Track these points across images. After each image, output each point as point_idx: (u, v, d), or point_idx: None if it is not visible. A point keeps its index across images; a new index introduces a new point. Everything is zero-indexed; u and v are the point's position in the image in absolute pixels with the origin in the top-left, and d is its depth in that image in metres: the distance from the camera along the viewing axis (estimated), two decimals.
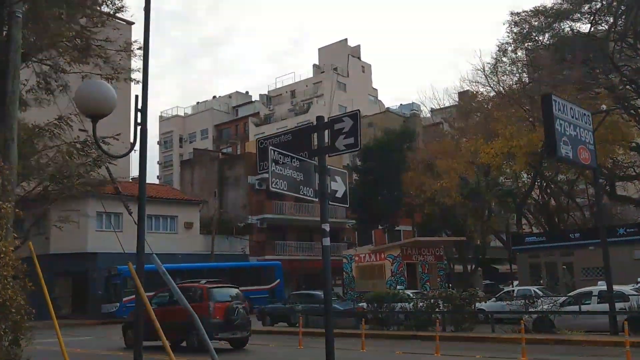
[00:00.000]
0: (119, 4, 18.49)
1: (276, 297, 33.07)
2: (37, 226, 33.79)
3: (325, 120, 6.65)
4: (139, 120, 7.13)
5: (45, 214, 32.72)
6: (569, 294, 18.20)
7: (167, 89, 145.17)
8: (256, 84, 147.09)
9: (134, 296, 28.19)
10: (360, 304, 22.84)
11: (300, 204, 41.70)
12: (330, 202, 6.47)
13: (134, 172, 68.80)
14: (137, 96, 7.08)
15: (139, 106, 7.05)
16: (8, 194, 7.96)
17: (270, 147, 6.16)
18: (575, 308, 16.51)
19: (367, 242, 41.69)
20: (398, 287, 27.04)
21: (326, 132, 6.53)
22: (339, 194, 6.85)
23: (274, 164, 6.04)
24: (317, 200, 6.50)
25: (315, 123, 6.69)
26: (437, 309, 18.76)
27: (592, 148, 16.27)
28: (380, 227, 39.32)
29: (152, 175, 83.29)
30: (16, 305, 6.51)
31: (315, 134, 6.60)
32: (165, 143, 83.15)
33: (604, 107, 19.96)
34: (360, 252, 31.61)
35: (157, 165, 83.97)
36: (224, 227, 39.32)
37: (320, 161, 6.48)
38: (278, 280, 35.10)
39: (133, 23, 48.99)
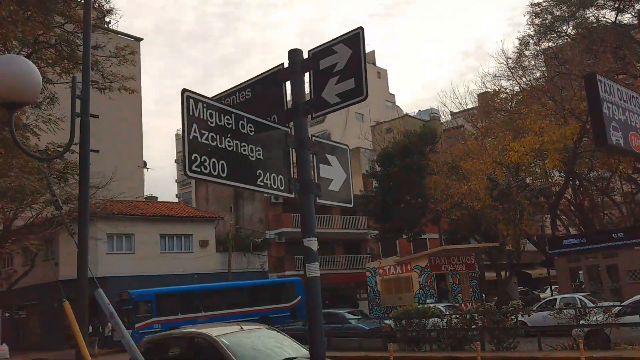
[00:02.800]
0: (107, 6, 17.10)
1: (298, 316, 31.28)
2: (45, 252, 32.55)
3: (305, 55, 3.89)
4: (78, 110, 5.40)
5: (53, 238, 31.49)
6: (624, 303, 16.04)
7: None
8: None
9: (147, 322, 26.51)
10: (386, 322, 20.93)
11: (319, 216, 39.94)
12: (319, 200, 3.87)
13: (149, 190, 67.68)
14: (74, 77, 5.39)
15: (78, 92, 5.34)
16: None
17: (188, 94, 3.28)
18: (635, 318, 14.37)
19: (391, 253, 39.71)
20: (428, 300, 25.03)
21: (307, 76, 3.89)
22: (334, 186, 4.09)
23: (195, 126, 3.27)
24: (296, 198, 3.75)
25: (286, 64, 3.92)
26: (474, 326, 16.75)
27: None
28: (404, 237, 37.26)
29: (172, 193, 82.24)
30: None
31: (289, 84, 3.90)
32: (182, 161, 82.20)
33: None
34: (385, 264, 29.61)
35: (176, 184, 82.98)
36: (241, 244, 37.65)
37: (298, 128, 3.79)
38: (299, 297, 33.22)
39: (141, 39, 48.20)
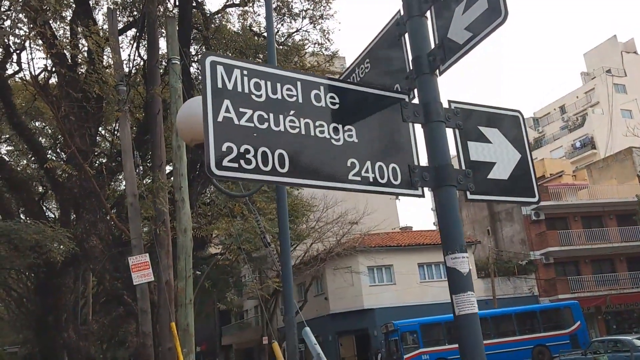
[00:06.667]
0: (332, 49, 17.69)
1: (580, 343, 27.91)
2: (316, 287, 34.90)
3: None
4: None
5: (321, 274, 33.57)
6: None
7: None
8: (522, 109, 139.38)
9: (416, 353, 26.34)
10: None
11: (591, 231, 35.67)
12: (469, 196, 2.66)
13: (404, 221, 68.53)
14: None
15: None
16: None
17: (213, 59, 2.30)
18: None
19: None
20: None
21: (430, 18, 2.70)
22: (499, 172, 2.76)
23: (227, 104, 2.28)
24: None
25: (402, 11, 2.76)
26: None
27: None
28: None
29: (429, 222, 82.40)
30: None
31: (406, 37, 2.74)
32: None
33: None
34: None
35: (432, 212, 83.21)
36: (504, 268, 35.46)
37: (422, 91, 2.60)
38: (578, 323, 29.66)
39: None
